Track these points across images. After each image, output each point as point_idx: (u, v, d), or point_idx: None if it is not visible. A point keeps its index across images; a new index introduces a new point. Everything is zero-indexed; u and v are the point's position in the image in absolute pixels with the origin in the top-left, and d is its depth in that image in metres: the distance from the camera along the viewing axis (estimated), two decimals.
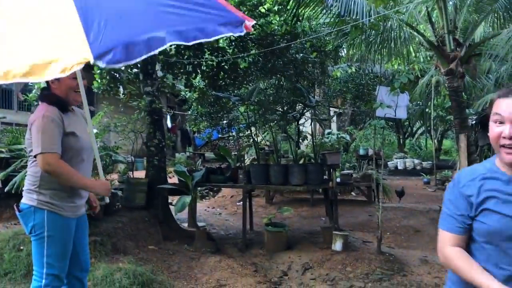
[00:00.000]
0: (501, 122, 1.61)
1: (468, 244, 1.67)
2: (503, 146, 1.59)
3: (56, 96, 2.76)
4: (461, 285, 1.69)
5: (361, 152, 14.28)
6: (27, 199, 2.75)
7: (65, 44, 1.93)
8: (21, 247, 4.76)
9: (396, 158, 16.47)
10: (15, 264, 4.57)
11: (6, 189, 5.34)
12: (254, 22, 2.65)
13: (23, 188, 2.85)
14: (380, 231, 5.73)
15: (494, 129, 1.62)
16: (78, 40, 1.90)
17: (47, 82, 2.80)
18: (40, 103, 2.80)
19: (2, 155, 7.39)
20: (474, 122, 11.60)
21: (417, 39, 8.67)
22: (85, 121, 3.01)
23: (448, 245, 1.66)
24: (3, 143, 8.05)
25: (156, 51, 1.97)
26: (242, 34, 2.33)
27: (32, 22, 2.13)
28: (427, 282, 4.92)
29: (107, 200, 3.18)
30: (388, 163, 15.91)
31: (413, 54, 10.86)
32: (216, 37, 2.20)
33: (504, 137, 1.58)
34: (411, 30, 7.92)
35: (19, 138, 7.59)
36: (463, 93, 9.62)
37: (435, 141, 16.69)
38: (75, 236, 2.89)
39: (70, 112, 2.85)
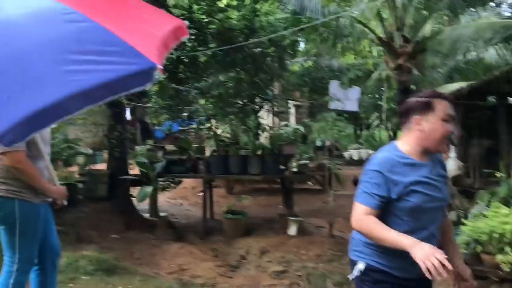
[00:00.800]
0: (447, 121, 1.94)
1: (383, 217, 1.98)
2: (445, 140, 1.95)
3: None
4: (372, 251, 2.04)
5: (318, 143, 14.74)
6: None
7: None
8: None
9: (352, 149, 17.07)
10: None
11: None
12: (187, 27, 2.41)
13: None
14: (332, 216, 6.13)
15: (444, 126, 1.95)
16: None
17: None
18: None
19: None
20: None
21: (369, 35, 9.13)
22: None
23: (365, 215, 1.95)
24: None
25: (62, 119, 1.83)
26: (151, 83, 1.98)
27: None
28: None
29: (65, 202, 3.13)
30: (344, 153, 16.48)
31: (367, 49, 11.36)
32: (125, 93, 1.99)
33: (450, 133, 1.95)
34: (362, 27, 8.36)
35: None
36: (413, 87, 10.20)
37: (390, 132, 17.38)
38: (45, 223, 3.04)
39: None
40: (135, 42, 1.99)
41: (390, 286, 2.01)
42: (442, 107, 1.95)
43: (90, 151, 8.71)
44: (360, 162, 15.86)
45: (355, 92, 6.85)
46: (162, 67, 1.94)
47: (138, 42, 2.00)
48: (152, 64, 1.89)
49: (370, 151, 16.56)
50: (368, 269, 2.03)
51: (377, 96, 15.93)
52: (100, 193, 6.52)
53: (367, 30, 8.46)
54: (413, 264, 1.76)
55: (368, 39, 9.54)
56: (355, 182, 8.27)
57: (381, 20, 8.27)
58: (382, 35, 8.21)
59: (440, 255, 1.71)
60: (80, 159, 8.24)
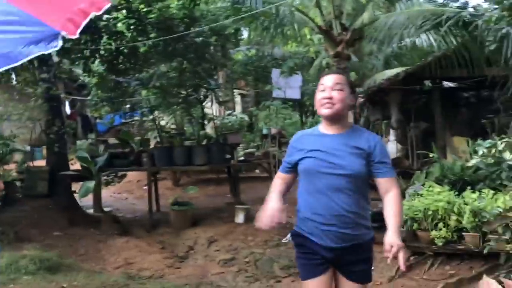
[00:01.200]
0: (323, 90, 2.22)
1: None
2: (323, 104, 2.21)
3: None
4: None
5: (264, 131, 14.89)
6: None
7: None
8: None
9: None
10: None
11: None
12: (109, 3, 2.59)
13: None
14: None
15: (317, 95, 2.25)
16: None
17: None
18: None
19: None
20: (363, 99, 12.63)
21: (309, 24, 9.28)
22: None
23: (276, 178, 2.46)
24: None
25: None
26: (57, 48, 2.12)
27: None
28: None
29: None
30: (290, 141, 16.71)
31: (308, 37, 11.55)
32: (23, 60, 2.09)
33: (323, 98, 2.20)
34: (302, 15, 8.49)
35: None
36: (354, 73, 10.50)
37: None
38: None
39: None
40: (40, 12, 2.19)
41: (308, 250, 2.26)
42: (320, 81, 2.27)
43: (27, 148, 8.37)
44: None
45: (297, 80, 6.98)
46: (74, 31, 2.14)
47: (44, 12, 2.20)
48: (54, 32, 2.09)
49: None
50: (292, 234, 2.43)
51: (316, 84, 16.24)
52: (40, 190, 6.29)
53: (307, 19, 8.60)
54: (318, 230, 2.18)
55: (309, 27, 9.71)
56: None
57: (320, 8, 8.42)
58: (321, 23, 8.37)
59: (270, 210, 2.27)
60: (17, 157, 7.92)
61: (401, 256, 2.06)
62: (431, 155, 6.69)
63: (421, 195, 4.93)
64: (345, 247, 2.18)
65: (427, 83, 9.66)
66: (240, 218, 6.26)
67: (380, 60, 11.30)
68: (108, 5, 2.59)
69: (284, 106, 15.50)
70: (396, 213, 2.15)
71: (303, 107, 21.29)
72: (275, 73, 6.62)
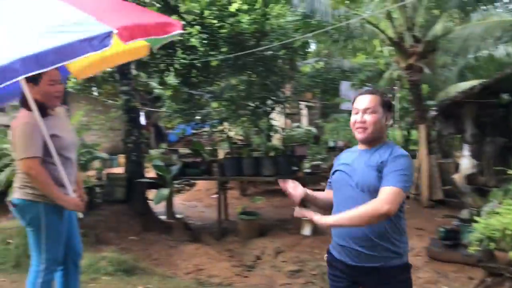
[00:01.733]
0: (356, 113, 2.19)
1: None
2: (356, 129, 2.20)
3: (35, 102, 2.90)
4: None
5: (330, 144, 14.81)
6: (22, 194, 2.95)
7: None
8: (9, 241, 5.02)
9: None
10: (5, 256, 4.84)
11: None
12: (179, 25, 2.75)
13: (15, 185, 3.07)
14: None
15: (351, 118, 2.23)
16: None
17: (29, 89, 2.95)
18: (20, 108, 2.98)
19: None
20: (436, 113, 12.21)
21: (380, 36, 9.18)
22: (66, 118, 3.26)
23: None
24: None
25: (10, 82, 2.08)
26: (108, 47, 2.22)
27: None
28: None
29: (81, 215, 3.24)
30: None
31: (378, 49, 11.40)
32: (79, 57, 2.20)
33: (356, 122, 2.18)
34: (373, 28, 8.43)
35: None
36: (425, 86, 10.21)
37: (404, 131, 17.34)
38: (68, 225, 3.13)
39: (51, 115, 3.02)
40: (101, 17, 2.34)
41: (334, 269, 2.27)
42: (354, 103, 2.24)
43: (106, 156, 8.91)
44: None
45: None
46: (126, 40, 2.29)
47: (106, 18, 2.34)
48: (106, 32, 2.20)
49: None
50: (327, 251, 2.37)
51: (389, 95, 15.93)
52: (118, 196, 6.69)
53: (378, 31, 8.53)
54: (337, 244, 2.19)
55: (379, 39, 9.61)
56: None
57: (391, 20, 8.33)
58: (392, 35, 8.27)
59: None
60: (97, 164, 8.44)
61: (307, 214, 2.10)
62: (509, 171, 6.35)
63: (499, 213, 4.71)
64: (364, 268, 2.09)
65: (505, 96, 9.19)
66: (306, 230, 6.28)
67: (454, 72, 10.92)
68: (176, 32, 2.72)
69: (347, 119, 15.34)
70: (348, 215, 2.01)
71: None
72: (344, 85, 6.61)
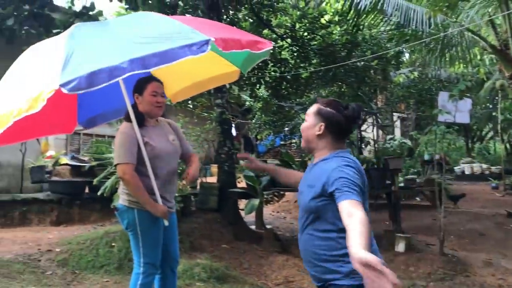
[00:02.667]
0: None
1: None
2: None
3: (139, 111, 3.17)
4: None
5: (426, 157, 14.12)
6: (121, 200, 3.19)
7: (47, 79, 2.30)
8: (113, 244, 5.39)
9: (463, 163, 16.07)
10: (109, 258, 5.20)
11: (99, 193, 6.04)
12: (270, 44, 2.90)
13: (118, 191, 3.31)
14: (442, 233, 5.88)
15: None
16: (54, 74, 2.26)
17: (135, 99, 3.22)
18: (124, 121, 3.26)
19: (88, 164, 8.27)
20: None
21: (480, 44, 8.65)
22: (172, 129, 3.45)
23: None
24: (89, 153, 8.96)
25: (118, 79, 2.26)
26: (206, 52, 2.37)
27: (33, 71, 2.65)
28: (490, 283, 5.04)
29: (166, 223, 3.36)
30: (455, 168, 15.58)
31: (478, 57, 10.75)
32: (178, 60, 2.34)
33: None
34: (473, 35, 7.96)
35: (101, 148, 8.44)
36: None
37: (505, 145, 16.12)
38: (166, 232, 3.29)
39: (151, 125, 3.23)
40: (200, 29, 2.54)
41: None
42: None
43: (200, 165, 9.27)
44: (473, 177, 14.93)
45: (466, 103, 6.53)
46: (223, 48, 2.50)
47: (204, 30, 2.53)
48: (204, 39, 2.38)
49: (484, 165, 15.48)
50: None
51: (490, 106, 14.93)
52: (211, 205, 6.93)
53: (478, 38, 8.05)
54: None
55: (479, 47, 9.06)
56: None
57: (494, 27, 7.81)
58: (495, 42, 7.75)
59: None
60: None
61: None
62: None
63: None
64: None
65: None
66: (400, 247, 6.04)
67: None
68: (267, 49, 2.86)
69: (447, 131, 14.54)
70: (359, 232, 1.65)
71: (470, 132, 19.69)
72: (442, 96, 6.30)
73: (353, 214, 1.73)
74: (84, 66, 2.23)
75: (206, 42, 2.37)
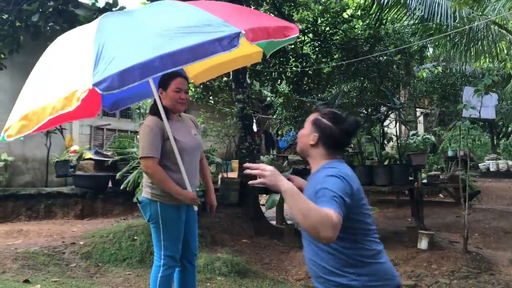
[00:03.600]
0: None
1: None
2: None
3: (157, 107, 3.18)
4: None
5: (450, 153, 13.91)
6: (144, 193, 3.24)
7: (79, 77, 2.29)
8: (135, 237, 5.46)
9: (488, 160, 15.76)
10: (131, 251, 5.27)
11: (121, 187, 6.12)
12: (296, 27, 2.89)
13: (142, 184, 3.35)
14: (466, 230, 5.78)
15: None
16: (87, 74, 2.24)
17: (159, 94, 3.25)
18: (148, 115, 3.31)
19: (111, 159, 8.39)
20: None
21: (507, 37, 8.46)
22: (194, 124, 3.49)
23: None
24: (112, 148, 9.08)
25: (149, 78, 2.25)
26: (237, 47, 2.34)
27: (63, 63, 2.64)
28: None
29: (196, 208, 3.39)
30: (480, 164, 15.28)
31: (505, 52, 10.50)
32: (209, 57, 2.33)
33: None
34: (499, 29, 7.78)
35: (124, 143, 8.55)
36: None
37: None
38: (186, 226, 3.32)
39: (174, 119, 3.27)
40: (229, 20, 2.48)
41: None
42: None
43: (221, 161, 9.31)
44: (498, 174, 14.63)
45: (492, 98, 6.38)
46: (252, 40, 2.44)
47: (232, 21, 2.48)
48: (235, 32, 2.33)
49: (510, 162, 15.15)
50: None
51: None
52: (232, 200, 6.95)
53: (505, 32, 7.86)
54: None
55: (506, 41, 8.85)
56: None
57: None
58: None
59: None
60: (213, 168, 8.86)
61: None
62: None
63: None
64: None
65: None
66: (423, 244, 5.95)
67: None
68: (294, 36, 2.83)
69: (472, 127, 14.26)
70: (304, 201, 1.69)
71: (495, 128, 19.28)
72: (467, 91, 6.17)
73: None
74: (115, 64, 2.21)
75: (237, 35, 2.34)
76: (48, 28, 6.26)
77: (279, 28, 2.78)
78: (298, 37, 9.26)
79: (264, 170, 1.81)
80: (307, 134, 2.09)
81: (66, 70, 2.53)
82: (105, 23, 2.77)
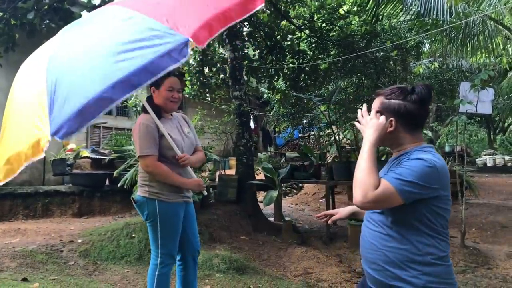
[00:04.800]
0: None
1: None
2: None
3: (150, 105, 3.19)
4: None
5: (447, 149, 13.93)
6: (141, 192, 3.22)
7: (39, 125, 2.18)
8: (133, 235, 5.46)
9: (485, 155, 15.82)
10: (129, 249, 5.27)
11: (119, 185, 6.12)
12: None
13: (138, 183, 3.34)
14: (463, 225, 5.80)
15: None
16: (45, 122, 2.13)
17: (151, 92, 3.26)
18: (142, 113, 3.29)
19: (108, 157, 8.38)
20: None
21: (503, 33, 8.47)
22: (186, 122, 3.49)
23: None
24: (109, 146, 9.07)
25: (107, 109, 2.04)
26: (187, 57, 2.11)
27: (25, 104, 2.47)
28: None
29: (205, 193, 3.51)
30: (477, 160, 15.33)
31: (501, 47, 10.52)
32: (161, 73, 2.09)
33: None
34: (495, 24, 7.79)
35: (121, 141, 8.54)
36: None
37: None
38: (186, 222, 3.34)
39: (167, 118, 3.29)
40: (174, 22, 2.20)
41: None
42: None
43: (218, 158, 9.31)
44: (495, 169, 14.67)
45: (488, 93, 6.40)
46: (206, 39, 2.14)
47: (179, 21, 2.21)
48: (183, 40, 2.09)
49: (507, 157, 15.20)
50: None
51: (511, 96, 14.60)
52: (230, 197, 6.96)
53: (501, 27, 7.87)
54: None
55: (502, 36, 8.86)
56: None
57: None
58: None
59: None
60: (210, 165, 8.86)
61: None
62: None
63: None
64: None
65: None
66: None
67: None
68: (260, 7, 2.45)
69: (469, 122, 14.29)
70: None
71: (492, 123, 19.34)
72: (464, 86, 6.18)
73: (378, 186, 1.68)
74: (69, 105, 2.07)
75: (185, 44, 2.09)
76: (43, 26, 6.23)
77: (239, 5, 2.39)
78: (294, 34, 9.27)
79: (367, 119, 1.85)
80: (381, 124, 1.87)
81: (27, 110, 2.41)
82: (58, 46, 2.62)
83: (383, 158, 7.86)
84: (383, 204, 1.73)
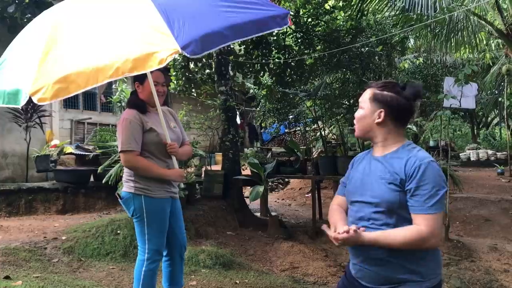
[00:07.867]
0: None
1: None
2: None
3: (135, 100, 3.21)
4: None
5: (431, 143, 14.10)
6: (126, 188, 3.20)
7: (156, 39, 2.18)
8: (118, 232, 5.41)
9: (469, 149, 16.02)
10: (114, 245, 5.22)
11: (103, 181, 6.05)
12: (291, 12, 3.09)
13: (122, 179, 3.31)
14: (447, 218, 5.87)
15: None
16: (166, 36, 2.17)
17: (135, 87, 3.26)
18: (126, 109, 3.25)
19: (93, 153, 8.29)
20: None
21: (486, 28, 8.56)
22: (172, 117, 3.46)
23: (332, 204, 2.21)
24: (93, 142, 8.97)
25: (221, 46, 2.34)
26: (287, 25, 2.58)
27: (119, 21, 2.40)
28: (496, 267, 5.04)
29: (182, 185, 3.46)
30: (460, 154, 15.51)
31: (484, 42, 10.64)
32: (269, 31, 2.52)
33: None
34: (479, 20, 7.87)
35: (105, 137, 8.45)
36: None
37: (511, 130, 16.04)
38: (172, 218, 3.33)
39: (152, 112, 3.24)
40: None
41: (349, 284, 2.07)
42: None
43: (204, 153, 9.28)
44: (478, 163, 14.88)
45: (472, 88, 6.47)
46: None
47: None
48: (285, 11, 2.58)
49: (490, 151, 15.41)
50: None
51: (496, 92, 14.80)
52: (216, 192, 6.95)
53: (484, 23, 7.95)
54: (354, 265, 2.00)
55: (485, 32, 8.96)
56: None
57: (500, 11, 7.71)
58: (501, 27, 7.67)
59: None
60: (196, 161, 8.83)
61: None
62: None
63: None
64: None
65: None
66: None
67: None
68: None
69: (453, 117, 14.45)
70: (391, 234, 1.75)
71: (475, 118, 19.58)
72: (448, 81, 6.24)
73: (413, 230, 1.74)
74: (190, 29, 2.22)
75: (286, 15, 2.57)
76: (25, 20, 6.12)
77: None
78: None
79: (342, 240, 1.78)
80: (369, 113, 1.91)
81: (124, 32, 2.34)
82: None
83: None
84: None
